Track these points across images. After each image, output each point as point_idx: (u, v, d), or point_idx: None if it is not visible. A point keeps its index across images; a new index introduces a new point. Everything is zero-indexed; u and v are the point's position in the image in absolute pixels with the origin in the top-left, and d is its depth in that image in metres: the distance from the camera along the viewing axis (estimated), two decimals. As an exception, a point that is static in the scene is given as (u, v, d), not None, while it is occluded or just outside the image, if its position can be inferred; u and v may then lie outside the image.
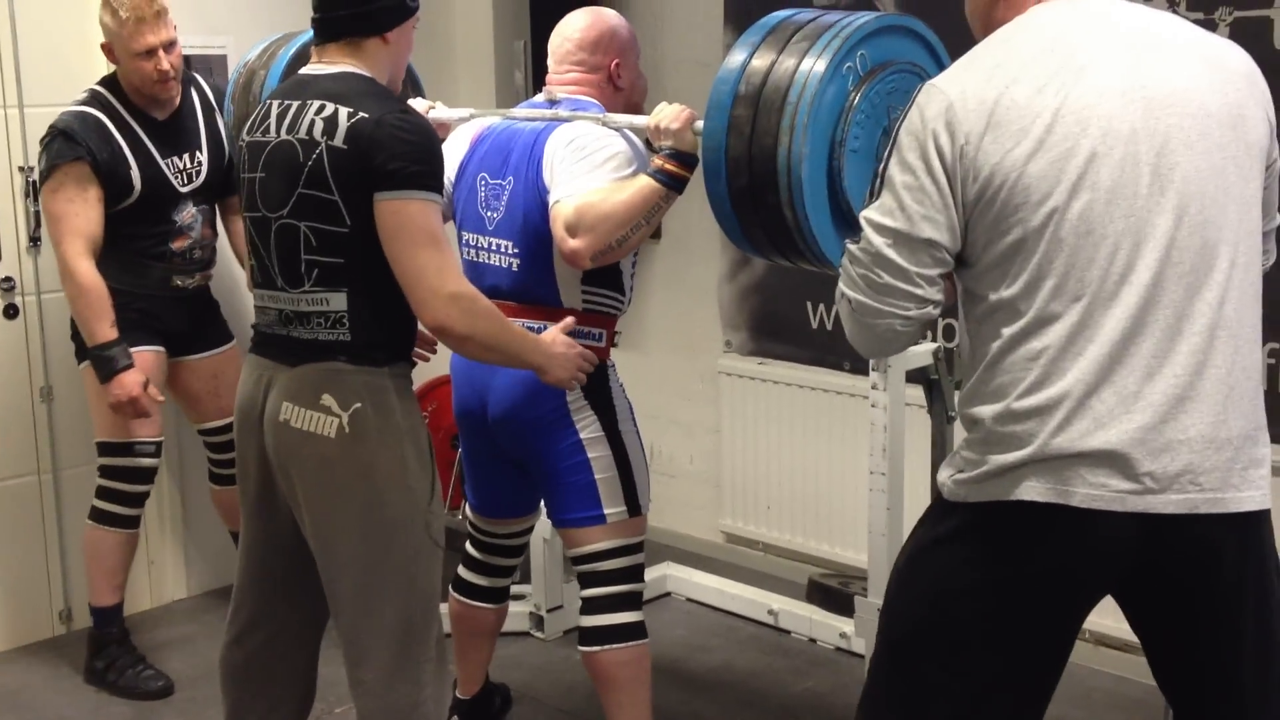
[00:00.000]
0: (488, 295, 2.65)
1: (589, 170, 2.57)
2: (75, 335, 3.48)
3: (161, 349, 3.48)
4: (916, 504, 3.21)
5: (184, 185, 3.45)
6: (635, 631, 2.78)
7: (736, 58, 2.38)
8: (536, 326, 2.59)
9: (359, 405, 2.32)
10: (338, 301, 2.33)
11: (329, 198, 2.29)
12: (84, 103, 3.34)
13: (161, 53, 3.29)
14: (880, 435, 3.17)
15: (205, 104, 3.54)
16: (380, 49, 2.40)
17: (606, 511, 2.73)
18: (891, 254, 1.85)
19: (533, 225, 2.66)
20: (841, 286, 1.95)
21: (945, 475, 1.92)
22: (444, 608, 3.30)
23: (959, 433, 1.99)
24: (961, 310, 1.95)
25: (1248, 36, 3.10)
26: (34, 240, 3.67)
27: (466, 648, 3.13)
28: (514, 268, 2.70)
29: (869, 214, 1.89)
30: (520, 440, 2.76)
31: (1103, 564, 1.84)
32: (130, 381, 3.27)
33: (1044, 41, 1.84)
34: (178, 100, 3.45)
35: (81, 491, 3.79)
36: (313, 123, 2.32)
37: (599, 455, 2.71)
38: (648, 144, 2.66)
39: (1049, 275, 1.78)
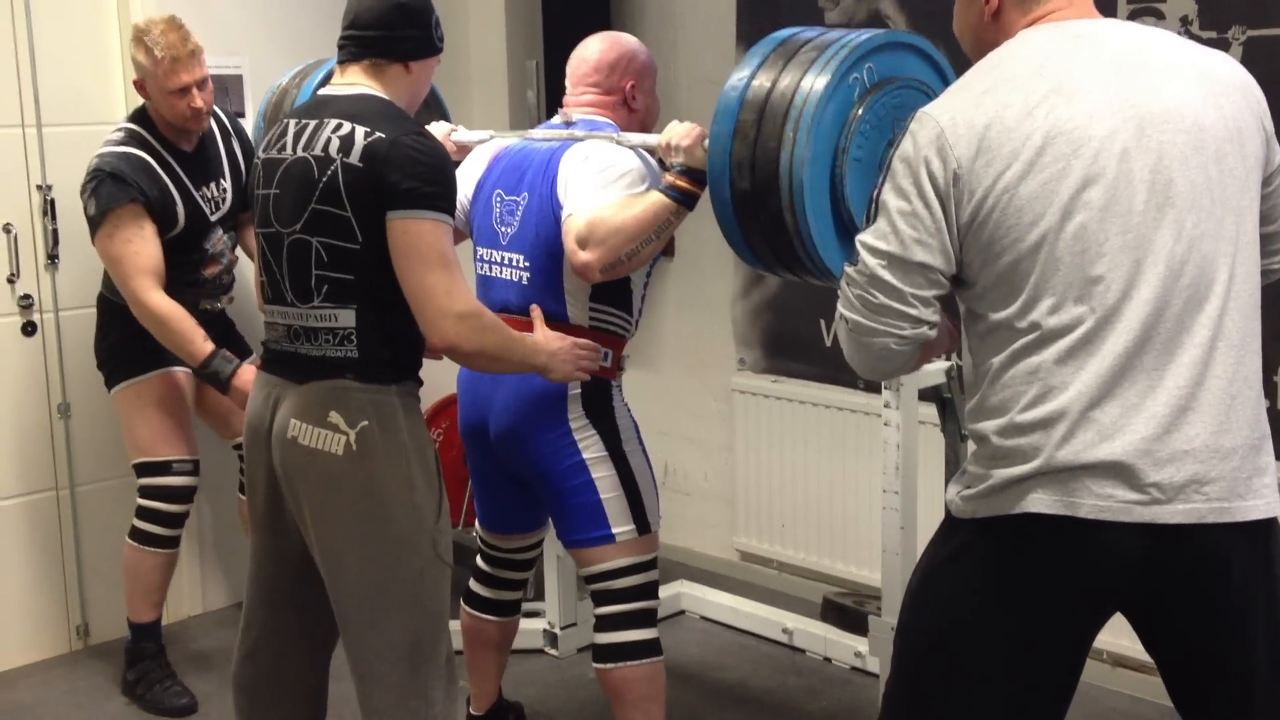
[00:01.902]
0: (497, 309, 2.67)
1: (602, 186, 2.60)
2: (104, 363, 3.51)
3: (188, 370, 3.51)
4: (930, 522, 3.20)
5: (213, 213, 3.46)
6: (649, 649, 2.78)
7: (745, 68, 2.41)
8: None
9: (366, 423, 2.33)
10: (346, 318, 2.35)
11: (342, 214, 2.31)
12: (123, 142, 3.32)
13: (195, 90, 3.29)
14: (893, 453, 3.17)
15: (223, 130, 3.55)
16: (401, 76, 2.43)
17: (615, 530, 2.73)
18: (886, 275, 1.88)
19: (545, 240, 2.68)
20: (840, 308, 1.97)
21: (953, 492, 1.93)
22: (455, 624, 3.31)
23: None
24: (964, 329, 1.96)
25: (1262, 55, 3.10)
26: (52, 258, 3.70)
27: (478, 662, 3.14)
28: (524, 281, 2.71)
29: (864, 238, 1.91)
30: (522, 458, 2.76)
31: (1111, 576, 1.84)
32: (249, 379, 3.27)
33: (1033, 65, 1.85)
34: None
35: (98, 507, 3.82)
36: (329, 140, 2.34)
37: (603, 475, 2.71)
38: (661, 163, 2.68)
39: (1046, 294, 1.80)
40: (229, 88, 3.93)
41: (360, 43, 2.43)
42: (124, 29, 3.77)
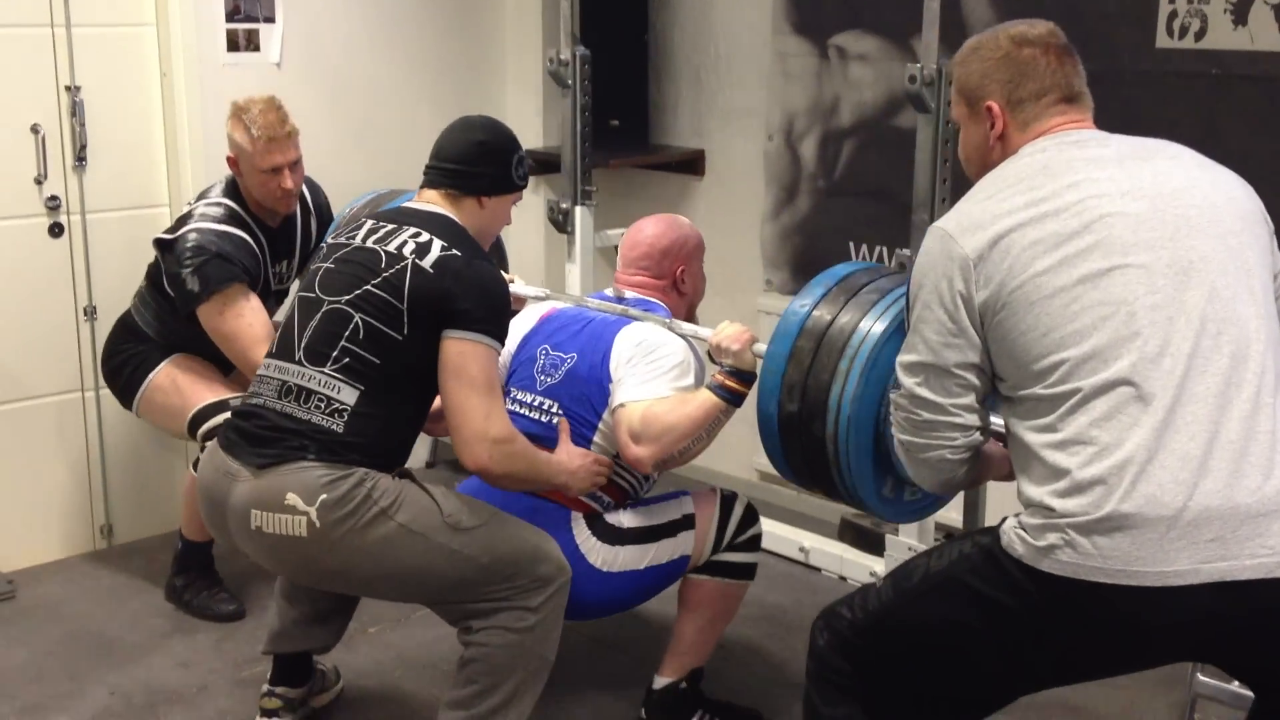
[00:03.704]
0: None
1: (654, 376, 2.66)
2: (118, 372, 3.47)
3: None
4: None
5: (275, 286, 3.46)
6: (744, 570, 2.88)
7: (807, 298, 2.49)
8: None
9: (325, 497, 2.33)
10: (348, 396, 2.38)
11: (396, 304, 2.39)
12: (223, 220, 3.28)
13: (287, 171, 3.28)
14: (917, 376, 3.15)
15: (305, 208, 3.51)
16: (475, 210, 2.55)
17: (681, 555, 2.78)
18: (924, 392, 1.94)
19: (584, 398, 2.73)
20: (894, 430, 2.03)
21: (1009, 526, 1.89)
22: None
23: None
24: (1004, 415, 1.95)
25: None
26: (80, 159, 3.70)
27: None
28: (553, 423, 2.73)
29: (899, 358, 1.99)
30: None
31: (1172, 637, 1.83)
32: None
33: (1035, 167, 1.93)
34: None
35: (123, 410, 3.84)
36: (405, 243, 2.43)
37: (629, 556, 2.72)
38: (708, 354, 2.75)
39: (1081, 360, 1.80)
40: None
41: (441, 173, 2.56)
42: (153, -72, 3.75)
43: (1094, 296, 1.80)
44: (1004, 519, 1.92)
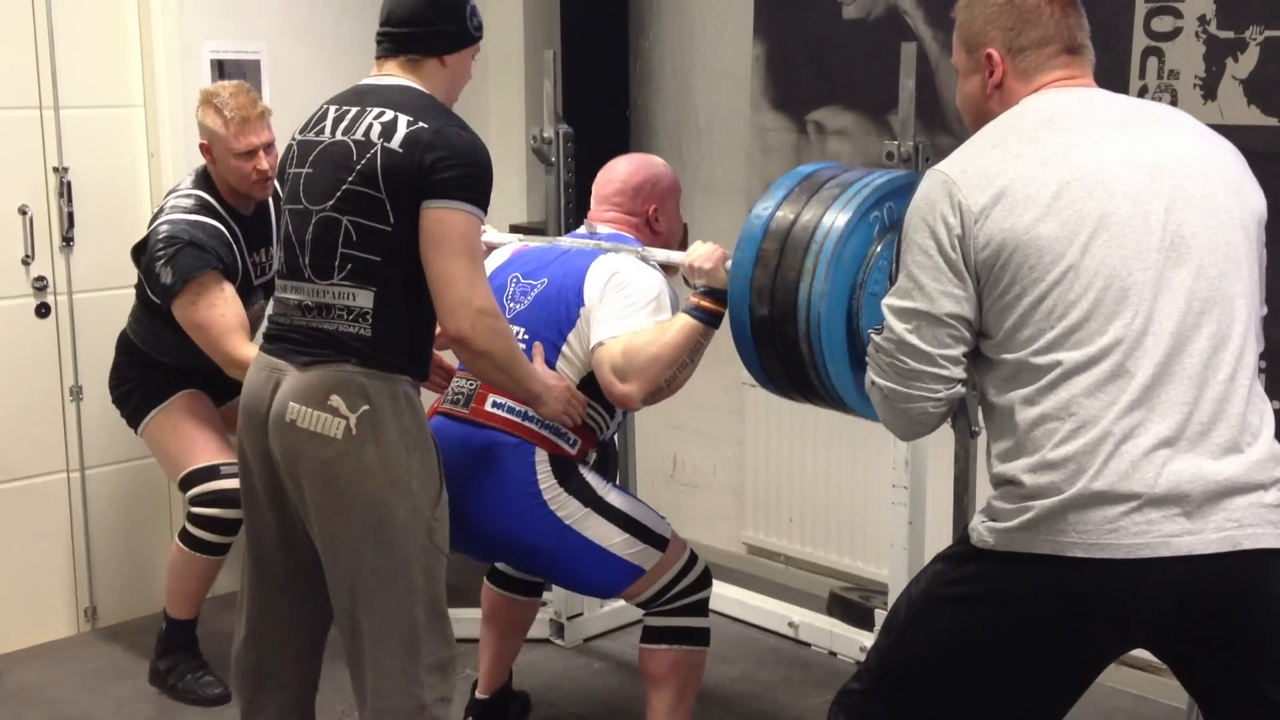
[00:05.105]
0: None
1: (631, 311, 2.64)
2: (126, 400, 3.48)
3: (206, 396, 3.50)
4: (939, 518, 3.21)
5: (257, 278, 3.44)
6: (699, 636, 2.83)
7: (769, 200, 2.48)
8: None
9: (366, 408, 2.33)
10: (364, 299, 2.35)
11: (376, 195, 2.33)
12: (194, 209, 3.27)
13: (261, 153, 3.28)
14: (902, 448, 3.16)
15: (277, 196, 3.51)
16: (438, 70, 2.46)
17: (638, 564, 2.73)
18: (914, 339, 1.90)
19: (551, 321, 2.72)
20: (871, 375, 2.00)
21: (977, 522, 1.90)
22: (466, 613, 3.31)
23: (983, 446, 2.00)
24: (984, 380, 1.95)
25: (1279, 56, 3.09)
26: (67, 240, 3.71)
27: (493, 640, 3.16)
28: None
29: (889, 301, 1.95)
30: (499, 545, 2.74)
31: (1144, 611, 1.84)
32: None
33: (1041, 119, 1.92)
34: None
35: (109, 490, 3.84)
36: (370, 126, 2.37)
37: (596, 528, 2.69)
38: (684, 279, 2.74)
39: (1071, 330, 1.82)
40: (247, 73, 3.94)
41: (395, 39, 2.46)
42: (142, 10, 3.79)
43: (1088, 266, 1.81)
44: (966, 524, 1.92)
